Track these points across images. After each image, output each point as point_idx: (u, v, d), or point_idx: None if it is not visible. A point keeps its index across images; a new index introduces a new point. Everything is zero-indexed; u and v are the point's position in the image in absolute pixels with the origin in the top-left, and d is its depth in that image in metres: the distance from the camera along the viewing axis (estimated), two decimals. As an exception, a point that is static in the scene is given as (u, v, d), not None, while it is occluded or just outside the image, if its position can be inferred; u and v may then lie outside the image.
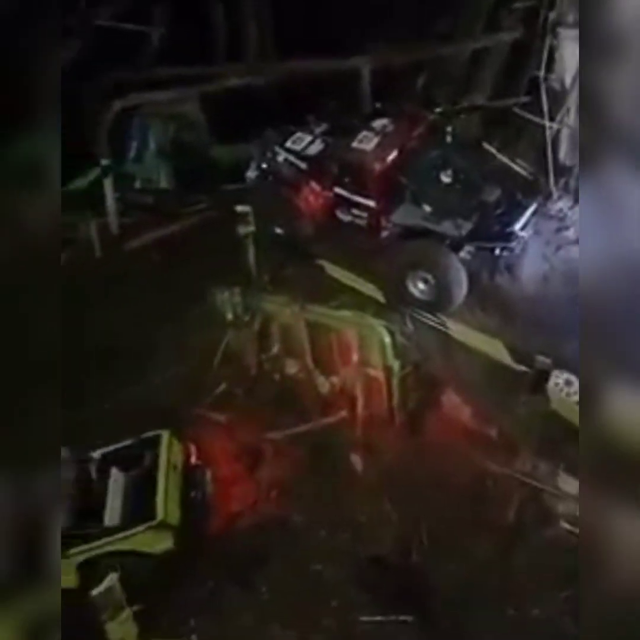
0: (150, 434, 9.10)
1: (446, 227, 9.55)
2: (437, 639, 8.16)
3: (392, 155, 9.90)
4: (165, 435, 9.04)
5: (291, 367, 10.55)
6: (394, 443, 9.76)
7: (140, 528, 8.27)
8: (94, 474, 8.73)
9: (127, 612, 7.12)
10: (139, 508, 8.43)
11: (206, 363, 10.73)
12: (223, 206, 13.29)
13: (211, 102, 14.62)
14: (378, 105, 10.83)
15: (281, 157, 10.66)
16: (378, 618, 8.07)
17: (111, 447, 9.09)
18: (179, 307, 11.43)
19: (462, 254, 9.89)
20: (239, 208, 9.35)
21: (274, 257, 10.45)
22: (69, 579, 8.00)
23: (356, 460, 9.82)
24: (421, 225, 9.68)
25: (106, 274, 12.85)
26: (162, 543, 8.32)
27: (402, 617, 8.16)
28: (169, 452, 8.90)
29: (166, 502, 8.44)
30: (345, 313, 9.76)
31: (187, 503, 8.73)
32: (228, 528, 9.10)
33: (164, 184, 15.18)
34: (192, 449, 9.35)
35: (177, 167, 14.98)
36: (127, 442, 9.12)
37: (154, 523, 8.29)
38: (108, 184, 13.79)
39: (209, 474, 9.13)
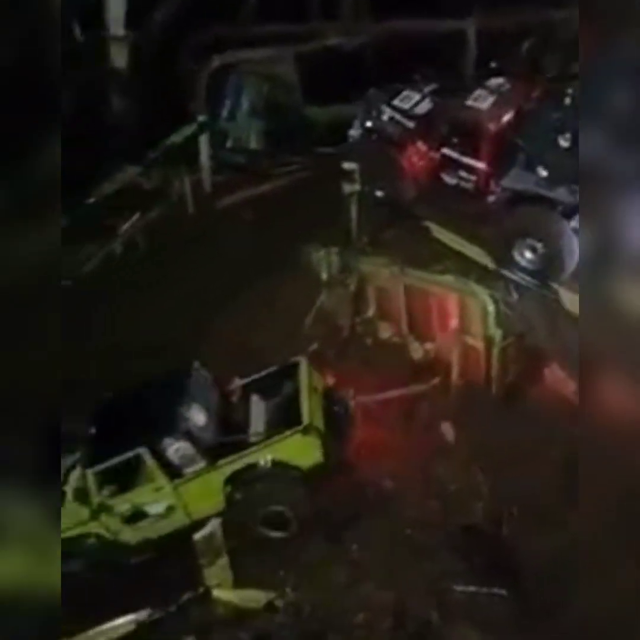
0: (288, 363, 9.04)
1: (560, 193, 9.09)
2: (531, 615, 7.92)
3: (508, 116, 9.46)
4: (303, 362, 8.97)
5: (385, 331, 10.40)
6: (488, 414, 9.50)
7: (288, 432, 8.20)
8: (235, 400, 8.76)
9: (225, 559, 7.15)
10: (283, 421, 8.39)
11: (298, 322, 10.68)
12: (317, 167, 13.23)
13: (306, 62, 14.46)
14: (493, 64, 10.36)
15: (386, 115, 10.35)
16: (472, 589, 7.89)
17: (250, 378, 9.07)
18: (272, 266, 11.41)
19: (573, 223, 9.42)
20: (346, 165, 9.13)
21: (375, 218, 10.20)
22: (216, 501, 8.00)
23: (447, 429, 9.62)
24: (533, 191, 9.24)
25: (199, 231, 12.97)
26: (312, 453, 8.22)
27: (496, 590, 7.96)
28: (309, 376, 8.82)
29: (311, 412, 8.36)
30: (448, 278, 9.49)
31: (330, 418, 8.67)
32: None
33: (254, 144, 15.14)
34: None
35: (269, 127, 14.91)
36: (266, 372, 9.09)
37: (300, 427, 8.18)
38: (203, 141, 13.84)
39: (351, 391, 9.02)
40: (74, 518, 8.13)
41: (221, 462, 8.20)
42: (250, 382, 9.06)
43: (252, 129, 15.11)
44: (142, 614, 6.91)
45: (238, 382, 9.08)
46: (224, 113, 15.13)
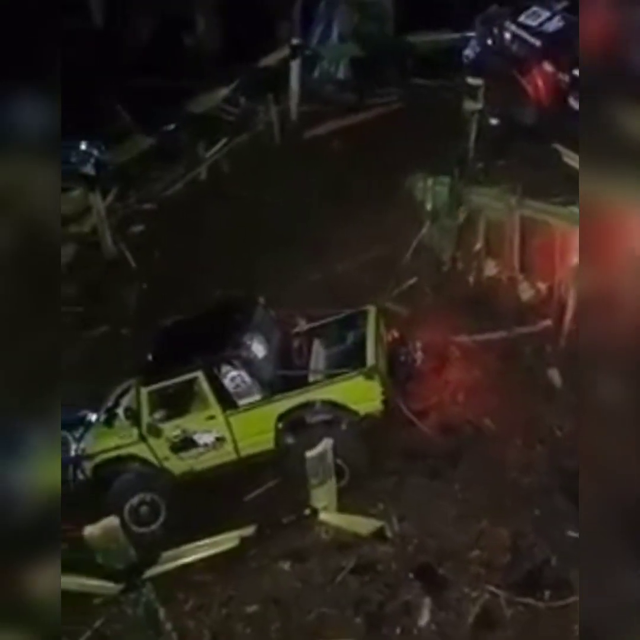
0: (356, 310, 8.55)
1: None
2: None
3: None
4: (372, 310, 8.46)
5: (491, 268, 9.74)
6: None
7: (351, 373, 7.75)
8: (296, 345, 8.31)
9: (333, 481, 6.74)
10: (346, 364, 7.94)
11: (398, 254, 10.10)
12: (412, 99, 12.50)
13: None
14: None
15: (509, 33, 9.55)
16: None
17: (317, 323, 8.61)
18: (367, 196, 10.82)
19: None
20: (471, 80, 8.40)
21: (494, 143, 9.46)
22: (266, 438, 7.68)
23: (554, 375, 8.99)
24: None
25: (286, 160, 12.42)
26: (372, 398, 7.76)
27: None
28: (377, 324, 8.33)
29: (376, 358, 7.88)
30: (573, 209, 8.73)
31: (395, 369, 8.22)
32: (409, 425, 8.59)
33: (342, 74, 14.46)
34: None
35: (358, 56, 14.18)
36: (333, 318, 8.61)
37: (365, 369, 7.71)
38: (295, 67, 13.18)
39: (418, 343, 8.51)
40: (122, 437, 7.90)
41: (277, 396, 7.77)
42: (315, 327, 8.56)
43: (341, 58, 14.42)
44: (248, 530, 6.55)
45: (303, 325, 8.59)
46: (314, 40, 14.46)
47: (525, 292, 9.46)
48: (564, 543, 7.36)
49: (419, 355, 8.37)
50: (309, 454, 6.56)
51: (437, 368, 9.12)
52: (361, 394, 7.74)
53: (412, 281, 9.97)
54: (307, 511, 6.58)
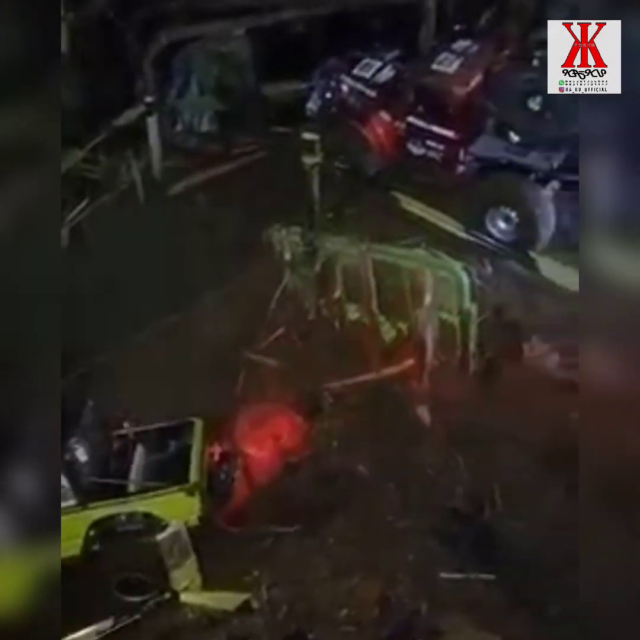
0: (183, 420, 8.46)
1: (534, 159, 8.74)
2: (520, 600, 7.52)
3: (476, 79, 9.07)
4: (199, 423, 8.40)
5: (353, 313, 9.86)
6: (467, 394, 9.06)
7: (173, 488, 7.63)
8: (118, 449, 8.16)
9: (192, 560, 6.53)
10: (167, 476, 7.81)
11: (262, 306, 10.08)
12: (273, 147, 12.64)
13: (259, 38, 13.82)
14: (459, 27, 9.93)
15: (346, 86, 9.84)
16: (459, 575, 7.44)
17: (141, 428, 8.42)
18: (231, 251, 10.80)
19: (546, 191, 9.09)
20: (306, 135, 8.56)
21: (339, 192, 9.66)
22: (73, 544, 7.38)
23: (423, 412, 9.14)
24: (505, 158, 8.87)
25: (150, 219, 12.24)
26: (189, 513, 7.61)
27: (483, 576, 7.53)
28: (203, 437, 8.30)
29: (199, 473, 7.87)
30: (419, 252, 9.01)
31: (214, 483, 8.15)
32: (284, 478, 8.52)
33: (205, 126, 14.45)
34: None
35: (221, 108, 14.24)
36: (157, 426, 8.46)
37: (187, 485, 7.64)
38: (152, 123, 13.06)
39: (239, 461, 8.44)
40: None
41: (94, 504, 7.52)
42: (139, 432, 8.41)
43: (204, 110, 14.43)
44: (105, 624, 6.23)
45: (128, 428, 8.42)
46: (173, 94, 14.40)
47: (388, 333, 9.61)
48: (437, 586, 7.44)
49: (238, 474, 8.28)
50: (160, 536, 6.33)
51: (308, 417, 9.18)
52: (180, 509, 7.58)
53: (279, 332, 9.96)
54: (167, 594, 6.32)
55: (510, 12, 11.88)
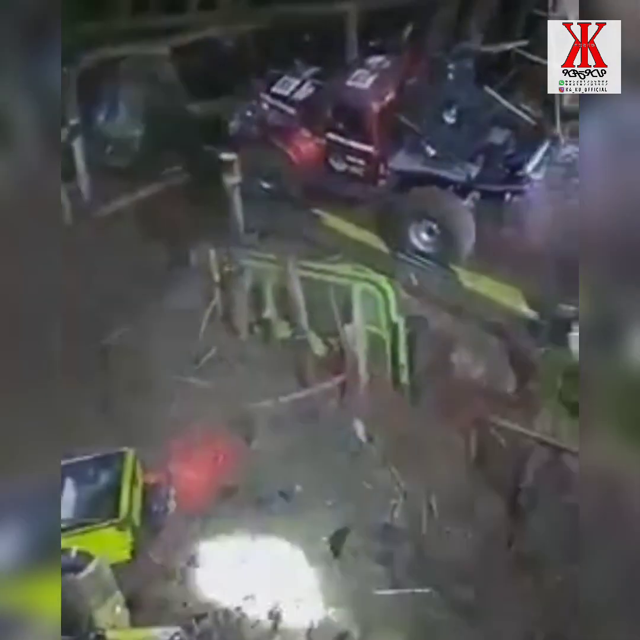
0: (113, 451, 8.25)
1: (451, 171, 8.84)
2: (457, 612, 7.54)
3: (391, 94, 9.14)
4: (130, 454, 8.21)
5: (285, 330, 9.82)
6: (399, 407, 9.10)
7: (103, 524, 7.44)
8: None
9: (116, 596, 6.36)
10: (98, 511, 7.64)
11: (193, 328, 9.96)
12: (203, 165, 12.54)
13: (185, 57, 13.74)
14: (372, 42, 10.02)
15: (266, 104, 9.83)
16: (394, 591, 7.43)
17: (70, 460, 8.11)
18: (161, 271, 10.66)
19: (467, 201, 9.21)
20: (224, 156, 8.50)
21: (263, 210, 9.63)
22: None
23: (358, 426, 9.14)
24: (423, 171, 8.95)
25: (78, 241, 12.01)
26: (121, 548, 7.49)
27: (418, 590, 7.53)
28: (133, 468, 8.11)
29: (130, 506, 7.69)
30: (345, 267, 9.03)
31: (147, 515, 8.00)
32: (220, 502, 8.40)
33: (136, 147, 14.29)
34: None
35: (150, 128, 14.09)
36: (88, 457, 8.23)
37: (117, 520, 7.47)
38: (78, 146, 12.86)
39: (172, 491, 8.28)
40: None
41: None
42: (69, 465, 8.10)
43: (132, 132, 14.26)
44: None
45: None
46: (102, 116, 14.21)
47: (320, 349, 9.59)
48: (372, 607, 7.40)
49: (171, 504, 8.13)
50: (79, 575, 6.15)
51: (244, 437, 9.09)
52: (111, 544, 7.43)
53: (210, 354, 9.85)
54: (92, 635, 6.13)
55: (433, 25, 12.07)
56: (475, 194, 9.12)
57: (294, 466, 8.76)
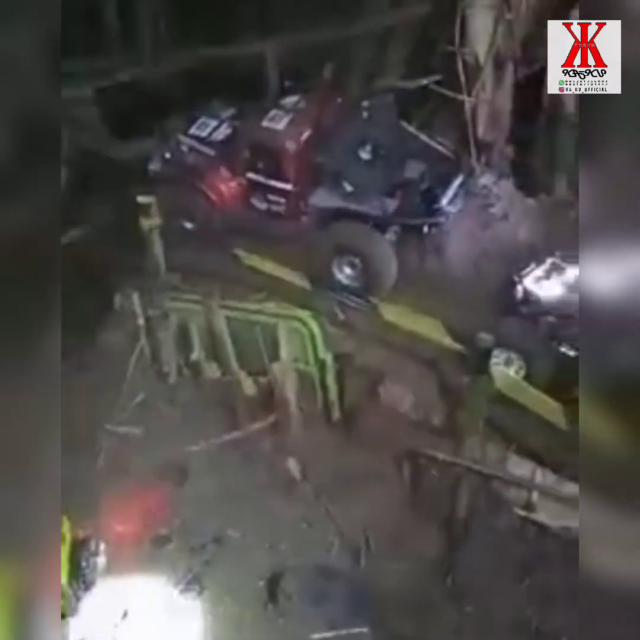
0: None
1: (369, 206, 8.99)
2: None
3: (306, 134, 9.28)
4: None
5: (214, 371, 9.71)
6: (332, 443, 9.08)
7: None
8: None
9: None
10: None
11: (119, 373, 9.75)
12: (125, 208, 12.42)
13: (107, 98, 13.68)
14: (287, 83, 10.18)
15: (185, 145, 9.84)
16: (330, 634, 7.33)
17: None
18: (85, 317, 10.43)
19: (388, 235, 9.37)
20: (140, 199, 8.44)
21: (184, 252, 9.57)
22: None
23: (293, 464, 9.07)
24: (342, 207, 9.08)
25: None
26: None
27: (356, 630, 7.45)
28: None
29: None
30: (270, 306, 9.02)
31: (76, 571, 7.68)
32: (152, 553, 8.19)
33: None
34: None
35: (72, 172, 13.92)
36: None
37: None
38: None
39: (102, 545, 7.99)
40: None
41: None
42: None
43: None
44: None
45: None
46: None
47: (250, 388, 9.50)
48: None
49: (101, 559, 7.86)
50: None
51: (176, 483, 8.89)
52: None
53: (138, 399, 9.64)
54: None
55: (349, 63, 12.33)
56: (396, 228, 9.28)
57: (228, 510, 8.62)
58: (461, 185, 9.47)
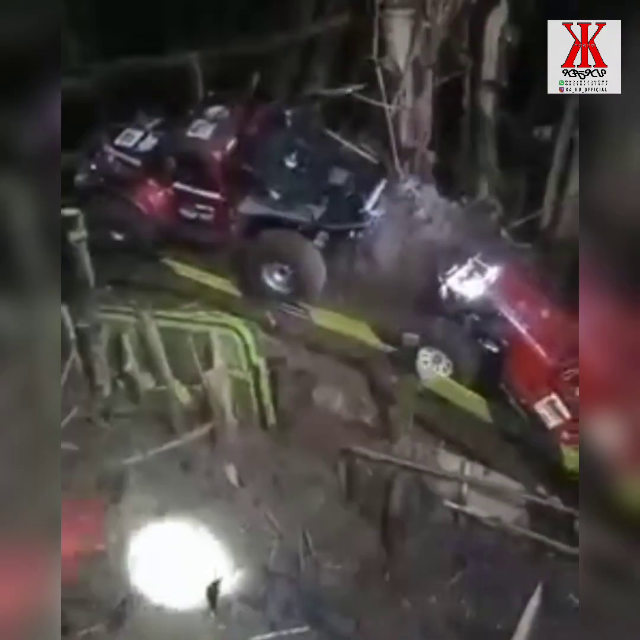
0: None
1: (296, 213, 9.16)
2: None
3: (231, 142, 9.38)
4: None
5: (148, 382, 9.68)
6: (268, 446, 9.18)
7: None
8: None
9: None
10: None
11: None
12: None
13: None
14: (211, 93, 10.26)
15: (111, 156, 9.80)
16: (270, 635, 7.42)
17: None
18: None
19: (316, 241, 9.55)
20: (66, 212, 8.38)
21: (114, 263, 9.54)
22: None
23: (230, 470, 9.13)
24: (270, 214, 9.22)
25: None
26: None
27: (296, 630, 7.57)
28: None
29: None
30: (201, 314, 9.08)
31: None
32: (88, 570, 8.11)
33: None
34: None
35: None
36: None
37: None
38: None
39: None
40: None
41: None
42: None
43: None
44: None
45: None
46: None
47: (185, 397, 9.51)
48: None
49: None
50: None
51: (114, 498, 8.81)
52: None
53: (73, 414, 9.53)
54: None
55: (274, 73, 12.49)
56: (324, 234, 9.47)
57: (167, 520, 8.61)
58: (385, 191, 9.73)
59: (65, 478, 8.71)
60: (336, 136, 10.65)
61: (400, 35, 10.46)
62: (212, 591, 8.00)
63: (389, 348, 8.82)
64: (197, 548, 8.45)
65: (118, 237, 9.85)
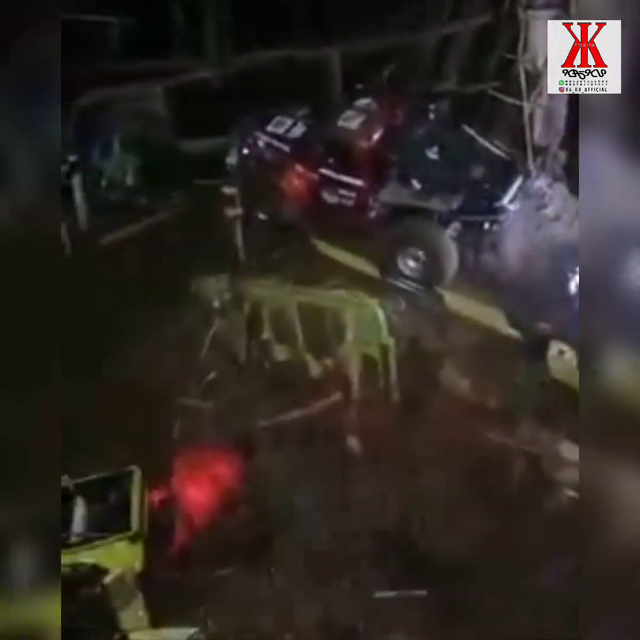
0: (122, 470, 8.69)
1: (435, 202, 9.58)
2: (450, 613, 8.04)
3: (378, 133, 9.90)
4: (137, 472, 8.67)
5: (282, 353, 10.35)
6: (391, 422, 9.63)
7: (114, 537, 7.87)
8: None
9: (139, 600, 6.80)
10: (109, 526, 8.06)
11: (194, 353, 10.46)
12: (197, 199, 13.15)
13: (176, 97, 14.45)
14: (359, 86, 10.81)
15: (262, 142, 10.52)
16: (391, 594, 7.91)
17: (81, 479, 8.57)
18: (162, 299, 11.15)
19: (449, 231, 9.94)
20: (226, 190, 9.15)
21: (261, 240, 10.24)
22: None
23: (353, 442, 9.65)
24: (409, 203, 9.68)
25: (78, 272, 12.45)
26: (133, 561, 7.84)
27: (415, 592, 8.02)
28: (142, 485, 8.56)
29: (140, 520, 8.13)
30: (339, 292, 9.64)
31: (156, 530, 8.40)
32: (226, 518, 8.81)
33: (129, 181, 14.86)
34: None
35: (143, 163, 14.70)
36: (97, 476, 8.68)
37: (130, 533, 7.90)
38: (76, 182, 13.43)
39: (179, 506, 8.65)
40: None
41: None
42: (78, 484, 8.55)
43: (127, 166, 14.86)
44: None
45: (68, 481, 8.49)
46: (96, 153, 14.80)
47: (315, 370, 10.13)
48: (373, 606, 7.87)
49: (177, 521, 8.43)
50: (106, 580, 6.60)
51: (244, 456, 9.51)
52: (123, 557, 7.82)
53: (211, 376, 10.33)
54: (117, 636, 6.55)
55: (408, 68, 12.94)
56: (457, 224, 9.85)
57: (292, 481, 9.18)
58: (520, 187, 10.01)
59: (200, 433, 9.65)
60: (471, 131, 10.99)
61: (539, 36, 10.67)
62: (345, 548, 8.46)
63: (519, 335, 9.10)
64: (318, 509, 9.00)
65: (262, 216, 10.55)
